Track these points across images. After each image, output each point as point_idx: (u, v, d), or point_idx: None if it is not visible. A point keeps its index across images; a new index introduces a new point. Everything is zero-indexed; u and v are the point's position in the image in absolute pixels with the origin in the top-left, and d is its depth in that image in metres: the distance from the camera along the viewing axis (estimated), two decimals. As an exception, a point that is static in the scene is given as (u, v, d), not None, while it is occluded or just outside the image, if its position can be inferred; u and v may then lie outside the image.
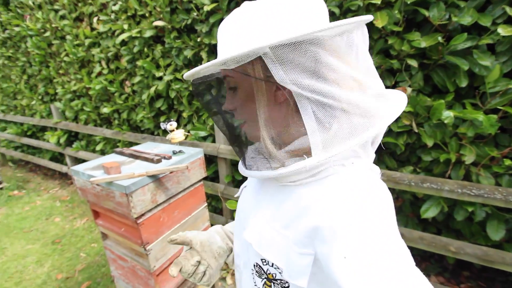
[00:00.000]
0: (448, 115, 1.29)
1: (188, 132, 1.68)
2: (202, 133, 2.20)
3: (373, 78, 0.45)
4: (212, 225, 2.12)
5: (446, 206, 1.48)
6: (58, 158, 4.11)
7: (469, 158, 1.36)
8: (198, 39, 1.92)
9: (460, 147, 1.41)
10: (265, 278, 0.49)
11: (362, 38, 0.43)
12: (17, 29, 3.19)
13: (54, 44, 2.95)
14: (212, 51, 1.98)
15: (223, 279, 2.14)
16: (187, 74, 0.46)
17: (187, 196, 1.63)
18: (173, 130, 1.57)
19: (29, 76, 3.58)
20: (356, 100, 0.39)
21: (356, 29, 0.40)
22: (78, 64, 2.83)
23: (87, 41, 2.56)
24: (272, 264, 0.47)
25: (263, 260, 0.48)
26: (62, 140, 3.40)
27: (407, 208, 1.73)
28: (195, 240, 0.65)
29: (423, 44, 1.30)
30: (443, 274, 1.94)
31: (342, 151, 0.39)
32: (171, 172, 1.46)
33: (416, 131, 1.45)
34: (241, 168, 0.51)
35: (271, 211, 0.49)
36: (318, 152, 0.39)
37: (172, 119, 1.56)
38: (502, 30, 1.14)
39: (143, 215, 1.36)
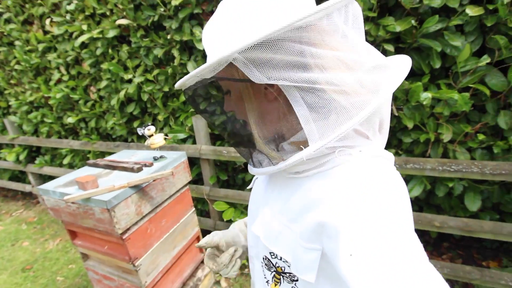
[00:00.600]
0: (426, 96, 1.33)
1: (166, 135, 1.58)
2: (181, 135, 2.10)
3: (367, 54, 0.43)
4: (201, 229, 2.04)
5: (428, 184, 1.55)
6: (19, 177, 3.73)
7: (446, 136, 1.43)
8: (168, 36, 1.81)
9: (438, 126, 1.48)
10: (274, 271, 0.49)
11: (348, 18, 0.41)
12: (-48, 36, 2.80)
13: (2, 52, 2.63)
14: (184, 48, 1.88)
15: (217, 282, 2.08)
16: (177, 84, 0.46)
17: (174, 202, 1.54)
18: (152, 135, 1.47)
19: (-26, 89, 3.18)
20: (345, 80, 0.38)
21: (333, 13, 0.39)
22: (33, 72, 2.55)
23: (40, 46, 2.31)
24: (281, 257, 0.46)
25: (272, 253, 0.48)
26: (22, 157, 3.08)
27: (392, 190, 1.79)
28: (221, 242, 0.67)
29: (398, 28, 1.32)
30: (426, 247, 2.05)
31: (339, 135, 0.37)
32: (154, 180, 1.36)
33: (396, 114, 1.49)
34: (249, 168, 0.51)
35: (279, 204, 0.49)
36: (314, 140, 0.39)
37: (148, 123, 1.45)
38: (470, 11, 1.19)
39: (128, 229, 1.26)
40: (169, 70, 1.88)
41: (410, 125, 1.47)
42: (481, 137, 1.37)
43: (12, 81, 2.77)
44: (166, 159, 1.52)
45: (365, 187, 0.38)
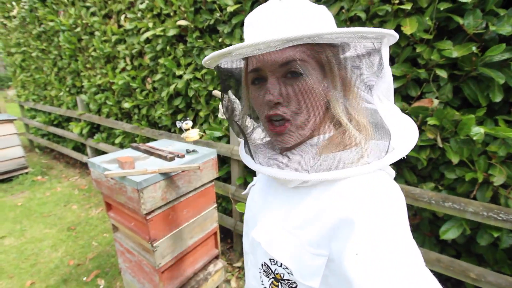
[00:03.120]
0: (478, 131, 1.20)
1: (204, 131, 1.67)
2: (217, 134, 2.20)
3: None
4: (220, 226, 2.10)
5: (468, 228, 1.38)
6: (80, 148, 4.29)
7: (498, 179, 1.26)
8: (220, 40, 1.92)
9: (489, 166, 1.31)
10: (272, 278, 0.50)
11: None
12: (51, 24, 3.36)
13: (84, 39, 3.08)
14: (232, 52, 1.98)
15: (227, 281, 2.12)
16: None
17: (198, 195, 1.63)
18: (188, 129, 1.57)
19: (59, 68, 3.76)
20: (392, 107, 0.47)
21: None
22: (104, 59, 2.93)
23: (113, 38, 2.64)
24: (281, 264, 0.47)
25: (272, 260, 0.48)
26: (84, 131, 3.53)
27: (425, 227, 1.63)
28: None
29: (455, 54, 1.21)
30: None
31: (393, 160, 0.42)
32: (183, 171, 1.46)
33: (441, 146, 1.36)
34: (269, 170, 0.47)
35: (283, 212, 0.49)
36: (394, 153, 0.43)
37: (188, 118, 1.56)
38: (546, 43, 1.04)
39: (152, 211, 1.37)
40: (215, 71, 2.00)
41: (455, 160, 1.33)
42: (543, 187, 1.18)
43: (87, 65, 3.21)
44: (198, 153, 1.62)
45: (375, 193, 0.40)
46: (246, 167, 2.25)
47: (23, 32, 4.16)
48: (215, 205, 1.78)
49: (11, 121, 3.69)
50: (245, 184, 2.27)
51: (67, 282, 2.13)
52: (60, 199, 3.41)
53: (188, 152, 1.62)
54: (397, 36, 0.41)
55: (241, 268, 2.24)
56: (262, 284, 0.52)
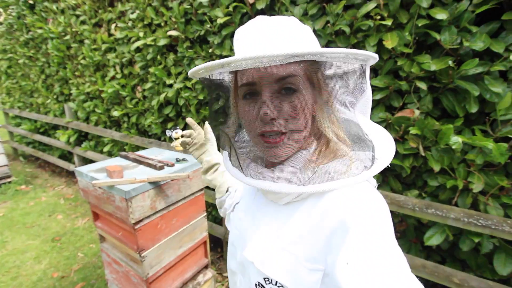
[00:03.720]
0: (456, 141, 1.26)
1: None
2: (207, 142, 2.21)
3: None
4: (210, 235, 2.09)
5: (451, 234, 1.43)
6: (66, 156, 4.20)
7: (477, 186, 1.32)
8: (210, 50, 1.96)
9: (468, 174, 1.37)
10: None
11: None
12: (39, 31, 3.33)
13: (73, 47, 3.06)
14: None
15: (218, 291, 2.10)
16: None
17: (187, 204, 1.63)
18: (178, 138, 1.58)
19: (46, 76, 3.71)
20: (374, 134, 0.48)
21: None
22: (94, 67, 2.92)
23: (103, 46, 2.65)
24: (276, 282, 0.46)
25: (266, 279, 0.47)
26: (72, 139, 3.47)
27: (411, 234, 1.67)
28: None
29: (433, 67, 1.28)
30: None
31: (381, 167, 0.45)
32: (172, 180, 1.46)
33: (423, 154, 1.42)
34: (263, 183, 0.47)
35: (274, 228, 0.49)
36: (379, 163, 0.45)
37: (177, 127, 1.57)
38: (514, 58, 1.12)
39: (141, 221, 1.36)
40: (206, 81, 2.03)
41: (436, 168, 1.39)
42: (517, 193, 1.24)
43: (76, 73, 3.19)
44: (187, 162, 1.62)
45: (364, 204, 0.41)
46: (236, 175, 2.26)
47: (10, 39, 4.10)
48: (205, 213, 1.78)
49: (-6, 129, 3.59)
50: (235, 192, 2.27)
51: (50, 296, 2.06)
52: (45, 209, 3.31)
53: (178, 160, 1.62)
54: (377, 58, 0.44)
55: (231, 278, 2.22)
56: None
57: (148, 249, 1.42)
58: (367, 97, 0.48)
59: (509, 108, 1.21)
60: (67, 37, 3.03)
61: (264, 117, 0.44)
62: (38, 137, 4.15)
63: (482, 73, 1.26)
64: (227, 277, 2.23)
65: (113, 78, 2.74)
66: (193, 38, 2.07)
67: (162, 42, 2.13)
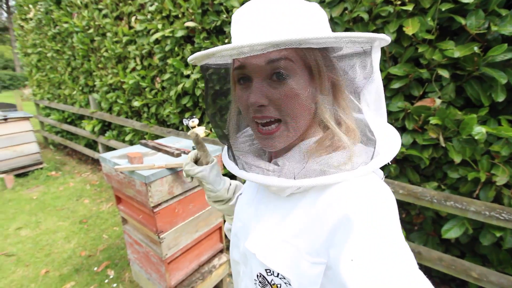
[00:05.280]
0: (479, 131, 1.21)
1: (210, 130, 1.72)
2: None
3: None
4: (225, 221, 2.15)
5: (470, 228, 1.38)
6: (92, 145, 4.43)
7: (501, 179, 1.26)
8: (226, 40, 1.97)
9: (492, 166, 1.31)
10: None
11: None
12: (65, 25, 3.49)
13: (96, 40, 3.19)
14: (239, 52, 2.02)
15: (231, 275, 2.17)
16: (217, 49, 0.38)
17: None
18: (195, 127, 1.63)
19: (72, 68, 3.90)
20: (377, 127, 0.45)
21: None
22: (116, 60, 3.03)
23: (124, 39, 2.73)
24: (278, 274, 0.45)
25: (268, 270, 0.47)
26: (96, 129, 3.65)
27: (429, 226, 1.64)
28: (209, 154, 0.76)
29: (457, 54, 1.22)
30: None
31: (382, 163, 0.42)
32: (189, 167, 1.52)
33: (444, 145, 1.37)
34: (254, 176, 0.46)
35: (276, 220, 0.48)
36: (379, 159, 0.43)
37: (194, 116, 1.62)
38: (548, 43, 1.04)
39: (159, 204, 1.43)
40: (222, 71, 2.05)
41: (457, 159, 1.34)
42: (545, 187, 1.18)
43: (99, 65, 3.33)
44: (203, 150, 1.67)
45: (370, 197, 0.40)
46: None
47: (39, 34, 4.33)
48: (220, 201, 1.83)
49: (27, 118, 3.85)
50: (250, 182, 2.32)
51: (79, 272, 2.23)
52: (73, 193, 3.54)
53: (194, 149, 1.67)
54: (389, 39, 0.40)
55: (245, 264, 2.29)
56: None
57: (166, 231, 1.49)
58: (376, 85, 0.43)
59: (539, 96, 1.14)
60: (91, 30, 3.16)
61: (252, 104, 0.43)
62: (66, 127, 4.40)
63: (511, 60, 1.19)
64: (241, 263, 2.30)
65: (133, 69, 2.84)
66: (209, 29, 2.09)
67: (179, 33, 2.17)
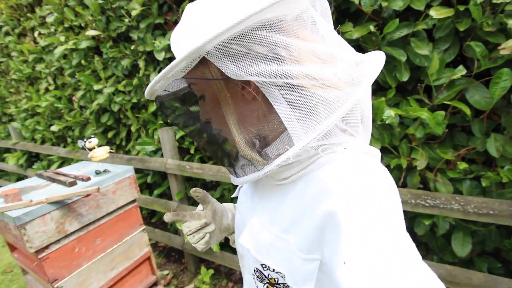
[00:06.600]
0: (388, 115, 1.12)
1: (112, 149, 1.48)
2: (150, 148, 2.03)
3: (343, 50, 0.43)
4: (171, 247, 1.91)
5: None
6: (23, 179, 3.93)
7: (420, 163, 1.18)
8: (132, 47, 1.77)
9: (412, 150, 1.24)
10: (267, 282, 0.47)
11: (317, 11, 0.42)
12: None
13: (2, 62, 2.81)
14: (152, 60, 1.83)
15: None
16: (146, 91, 0.44)
17: (115, 220, 1.44)
18: (94, 148, 1.40)
19: (-14, 96, 3.44)
20: (321, 73, 0.37)
21: (303, 3, 0.38)
22: (27, 82, 2.68)
23: (31, 57, 2.42)
24: (273, 269, 0.44)
25: (263, 265, 0.46)
26: (22, 161, 3.23)
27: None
28: (213, 205, 0.63)
29: (355, 35, 1.14)
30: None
31: (324, 129, 0.36)
32: (87, 196, 1.28)
33: (362, 134, 1.28)
34: (232, 178, 0.49)
35: (268, 214, 0.47)
36: (299, 138, 0.37)
37: (91, 136, 1.39)
38: (435, 13, 0.98)
39: (46, 247, 1.17)
40: (135, 81, 1.84)
41: (377, 146, 1.24)
42: (462, 165, 1.11)
43: (11, 90, 2.94)
44: (109, 173, 1.44)
45: (356, 183, 0.36)
46: (186, 179, 2.08)
47: None
48: (143, 227, 1.60)
49: None
50: (188, 199, 2.10)
51: None
52: (1, 238, 3.06)
53: (97, 173, 1.44)
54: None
55: (193, 291, 2.06)
56: None
57: (63, 278, 1.23)
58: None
59: (440, 71, 1.08)
60: (-5, 51, 2.79)
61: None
62: (-9, 163, 3.87)
63: (408, 36, 1.12)
64: (190, 290, 2.07)
65: (46, 90, 2.52)
66: (116, 37, 1.88)
67: (83, 44, 1.93)
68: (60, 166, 2.82)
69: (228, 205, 0.71)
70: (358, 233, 0.33)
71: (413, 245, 0.33)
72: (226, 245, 1.97)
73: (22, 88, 2.75)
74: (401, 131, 1.24)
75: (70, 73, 2.17)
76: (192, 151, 1.87)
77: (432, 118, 1.06)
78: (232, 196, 0.65)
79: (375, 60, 0.43)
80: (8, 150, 3.78)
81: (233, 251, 1.96)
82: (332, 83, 0.38)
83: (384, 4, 1.06)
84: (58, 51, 2.02)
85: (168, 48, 1.64)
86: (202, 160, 1.96)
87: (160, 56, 1.63)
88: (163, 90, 0.44)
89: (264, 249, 0.45)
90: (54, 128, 2.45)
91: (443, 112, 1.09)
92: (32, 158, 3.32)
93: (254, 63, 0.35)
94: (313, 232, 0.38)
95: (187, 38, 0.39)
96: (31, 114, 2.87)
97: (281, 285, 0.45)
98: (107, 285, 1.42)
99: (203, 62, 0.38)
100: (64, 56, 2.21)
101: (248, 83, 0.39)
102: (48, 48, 2.28)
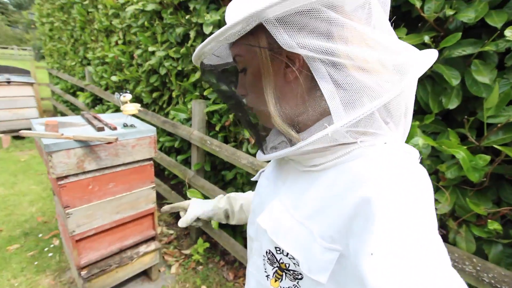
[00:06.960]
0: (416, 142, 0.96)
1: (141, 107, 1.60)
2: (183, 115, 2.13)
3: (394, 40, 0.41)
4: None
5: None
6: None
7: (442, 207, 1.00)
8: (187, 17, 1.84)
9: (437, 189, 1.05)
10: (276, 267, 0.47)
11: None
12: (70, -5, 3.56)
13: (91, 12, 3.21)
14: (203, 33, 1.88)
15: (169, 266, 2.06)
16: (194, 55, 0.45)
17: (129, 172, 1.58)
18: (127, 102, 1.52)
19: (74, 40, 3.99)
20: (371, 57, 0.37)
21: None
22: (105, 33, 3.02)
23: (111, 11, 2.70)
24: (287, 254, 0.44)
25: (277, 248, 0.46)
26: (88, 101, 3.72)
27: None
28: (190, 206, 0.82)
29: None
30: None
31: (365, 112, 0.36)
32: (108, 143, 1.41)
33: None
34: (259, 154, 0.50)
35: (291, 198, 0.46)
36: (340, 117, 0.36)
37: (127, 91, 1.51)
38: (511, 34, 0.78)
39: (66, 177, 1.34)
40: (182, 50, 1.92)
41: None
42: (493, 225, 0.91)
43: (93, 38, 3.35)
44: (135, 128, 1.56)
45: (394, 179, 0.35)
46: (206, 154, 2.15)
47: (52, 3, 4.49)
48: (153, 185, 1.72)
49: (30, 84, 4.02)
50: (204, 172, 2.18)
51: (27, 236, 2.25)
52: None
53: (125, 126, 1.57)
54: None
55: (188, 256, 2.17)
56: (265, 271, 0.49)
57: (74, 207, 1.41)
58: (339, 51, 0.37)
59: (499, 107, 0.87)
60: (86, 2, 3.18)
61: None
62: (68, 97, 4.55)
63: (472, 57, 0.92)
64: (186, 254, 2.19)
65: (116, 44, 2.81)
66: (177, 4, 1.97)
67: (149, 7, 2.07)
68: (114, 112, 3.17)
69: (218, 197, 0.83)
70: (391, 226, 0.32)
71: (445, 249, 0.32)
72: (226, 225, 2.01)
73: (100, 38, 3.12)
74: (432, 165, 1.06)
75: (134, 31, 2.36)
76: (217, 128, 1.91)
77: (468, 160, 0.88)
78: (252, 179, 0.66)
79: (426, 55, 0.42)
80: (81, 89, 4.39)
81: (231, 233, 2.00)
82: (378, 69, 0.37)
83: (450, 13, 0.88)
84: (130, 9, 2.21)
85: (217, 24, 1.66)
86: (226, 139, 1.99)
87: (208, 30, 1.65)
88: (210, 55, 0.45)
89: (282, 232, 0.45)
90: (114, 78, 2.73)
91: (488, 157, 0.89)
92: (96, 100, 3.80)
93: (307, 36, 0.35)
94: (341, 221, 0.37)
95: (246, 4, 0.40)
96: (102, 62, 3.25)
97: (291, 271, 0.45)
98: (110, 226, 1.58)
99: (255, 32, 0.38)
100: (134, 16, 2.40)
101: (294, 58, 0.39)
102: (125, 5, 2.51)
